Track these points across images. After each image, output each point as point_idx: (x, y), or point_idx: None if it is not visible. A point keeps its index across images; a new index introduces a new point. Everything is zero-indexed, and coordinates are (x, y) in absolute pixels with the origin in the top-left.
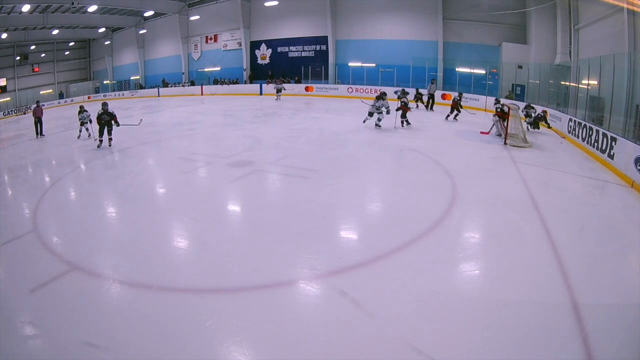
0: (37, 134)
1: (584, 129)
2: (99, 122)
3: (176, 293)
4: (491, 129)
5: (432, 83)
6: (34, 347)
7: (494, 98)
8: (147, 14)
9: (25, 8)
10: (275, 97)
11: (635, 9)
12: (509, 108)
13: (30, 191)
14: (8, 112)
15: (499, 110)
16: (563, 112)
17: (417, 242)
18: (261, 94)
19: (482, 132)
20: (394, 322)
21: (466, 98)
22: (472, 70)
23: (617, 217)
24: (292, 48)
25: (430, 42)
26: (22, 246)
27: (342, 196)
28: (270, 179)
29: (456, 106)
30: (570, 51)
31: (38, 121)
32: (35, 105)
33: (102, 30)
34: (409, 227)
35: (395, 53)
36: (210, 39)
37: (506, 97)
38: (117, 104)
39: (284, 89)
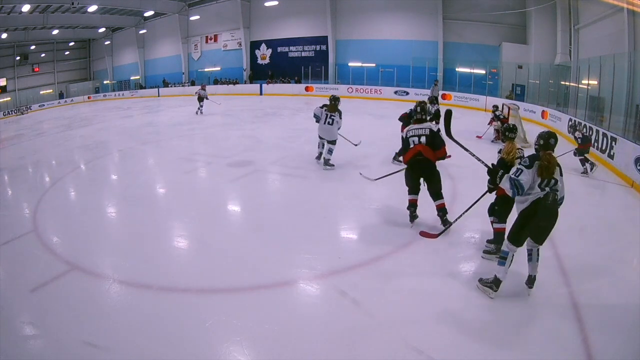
0: None
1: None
2: None
3: (176, 293)
4: (485, 132)
5: (435, 85)
6: (34, 347)
7: (493, 105)
8: (147, 14)
9: (25, 8)
10: (198, 108)
11: (635, 9)
12: (509, 109)
13: (30, 191)
14: (8, 112)
15: (501, 117)
16: (563, 112)
17: (417, 242)
18: (261, 94)
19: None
20: (394, 322)
21: (466, 98)
22: (472, 70)
23: (617, 217)
24: (292, 48)
25: (430, 42)
26: (22, 246)
27: (342, 196)
28: (270, 179)
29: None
30: (570, 51)
31: None
32: None
33: (102, 30)
34: (408, 227)
35: (395, 53)
36: (210, 39)
37: (506, 97)
38: (118, 103)
39: (207, 98)
